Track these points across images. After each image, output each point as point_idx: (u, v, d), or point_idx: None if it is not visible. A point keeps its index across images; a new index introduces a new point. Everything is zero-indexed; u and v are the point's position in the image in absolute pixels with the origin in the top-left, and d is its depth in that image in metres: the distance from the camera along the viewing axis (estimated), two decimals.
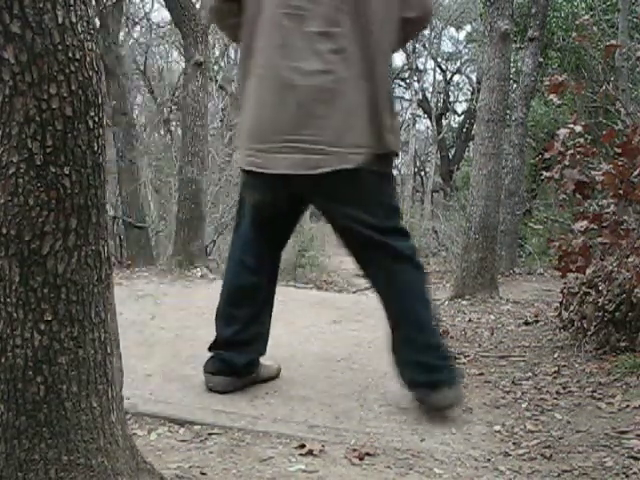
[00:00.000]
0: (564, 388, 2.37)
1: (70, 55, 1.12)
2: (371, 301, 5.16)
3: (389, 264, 2.02)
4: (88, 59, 1.15)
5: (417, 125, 24.03)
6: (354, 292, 8.26)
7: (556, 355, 2.79)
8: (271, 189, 2.00)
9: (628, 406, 2.12)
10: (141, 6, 11.45)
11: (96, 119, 1.17)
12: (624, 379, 2.35)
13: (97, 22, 6.61)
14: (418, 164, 26.57)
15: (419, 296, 2.05)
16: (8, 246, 1.13)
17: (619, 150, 2.71)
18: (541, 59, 8.11)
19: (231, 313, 2.16)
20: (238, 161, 2.00)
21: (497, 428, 2.01)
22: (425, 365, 2.01)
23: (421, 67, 22.95)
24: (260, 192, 2.03)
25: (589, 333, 2.74)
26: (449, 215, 11.37)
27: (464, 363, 2.76)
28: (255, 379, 2.21)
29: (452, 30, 23.05)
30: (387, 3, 1.94)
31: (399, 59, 21.05)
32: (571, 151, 2.81)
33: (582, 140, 2.87)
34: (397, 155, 2.14)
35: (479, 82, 6.78)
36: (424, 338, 2.03)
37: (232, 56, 17.80)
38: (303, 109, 1.88)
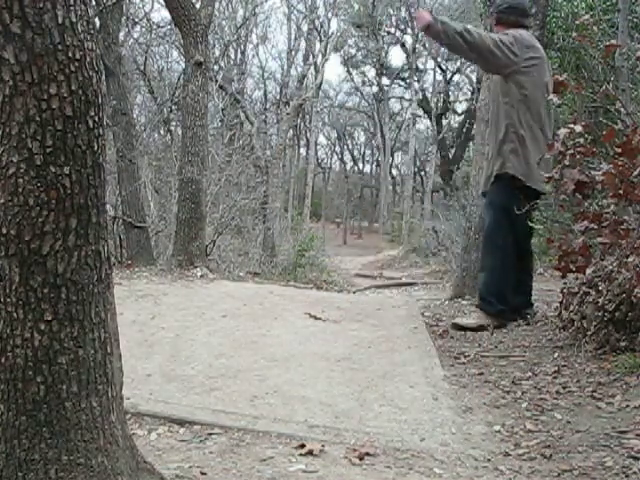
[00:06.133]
0: (564, 388, 2.37)
1: (70, 55, 1.12)
2: (371, 301, 5.16)
3: None
4: (88, 59, 1.15)
5: (417, 125, 24.11)
6: (354, 292, 8.27)
7: (556, 355, 2.79)
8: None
9: (628, 406, 2.12)
10: (141, 6, 11.44)
11: (96, 119, 1.17)
12: (624, 379, 2.35)
13: (97, 22, 6.60)
14: (418, 164, 26.59)
15: None
16: (8, 246, 1.13)
17: (619, 150, 2.70)
18: None
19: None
20: (529, 181, 3.46)
21: (497, 428, 2.01)
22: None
23: (421, 67, 22.99)
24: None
25: (589, 333, 2.73)
26: (449, 215, 11.36)
27: (464, 363, 2.76)
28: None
29: None
30: None
31: (399, 59, 21.14)
32: (571, 151, 2.80)
33: (582, 140, 2.86)
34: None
35: (479, 82, 6.79)
36: None
37: (232, 56, 17.84)
38: None
